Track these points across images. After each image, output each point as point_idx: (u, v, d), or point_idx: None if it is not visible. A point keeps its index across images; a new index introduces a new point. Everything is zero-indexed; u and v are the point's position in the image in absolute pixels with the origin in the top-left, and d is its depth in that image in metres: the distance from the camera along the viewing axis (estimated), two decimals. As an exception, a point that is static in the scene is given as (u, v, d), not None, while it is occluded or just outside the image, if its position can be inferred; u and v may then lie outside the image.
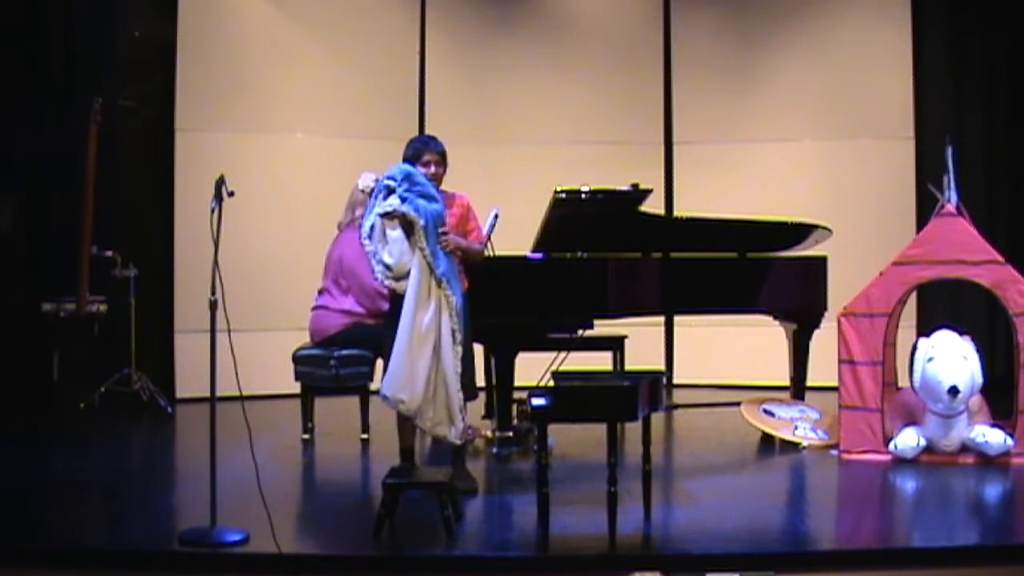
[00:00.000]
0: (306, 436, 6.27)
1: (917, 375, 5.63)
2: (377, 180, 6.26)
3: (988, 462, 5.54)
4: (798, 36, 8.50)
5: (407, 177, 4.91)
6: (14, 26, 7.20)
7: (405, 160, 5.08)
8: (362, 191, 6.31)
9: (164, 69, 7.77)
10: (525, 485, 5.07)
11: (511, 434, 5.85)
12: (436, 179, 5.05)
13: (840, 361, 5.79)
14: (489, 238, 6.00)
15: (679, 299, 6.27)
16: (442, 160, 5.10)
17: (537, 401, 4.29)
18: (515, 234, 6.21)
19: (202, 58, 7.80)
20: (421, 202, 4.85)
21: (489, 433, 5.98)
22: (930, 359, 5.57)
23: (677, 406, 7.35)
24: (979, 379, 5.58)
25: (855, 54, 8.35)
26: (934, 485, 5.28)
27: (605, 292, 5.86)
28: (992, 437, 5.54)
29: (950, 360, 5.53)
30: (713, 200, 7.57)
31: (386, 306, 5.78)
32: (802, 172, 8.37)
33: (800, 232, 6.47)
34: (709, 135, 8.53)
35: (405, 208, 4.84)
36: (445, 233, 4.91)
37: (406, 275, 4.85)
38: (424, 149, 5.09)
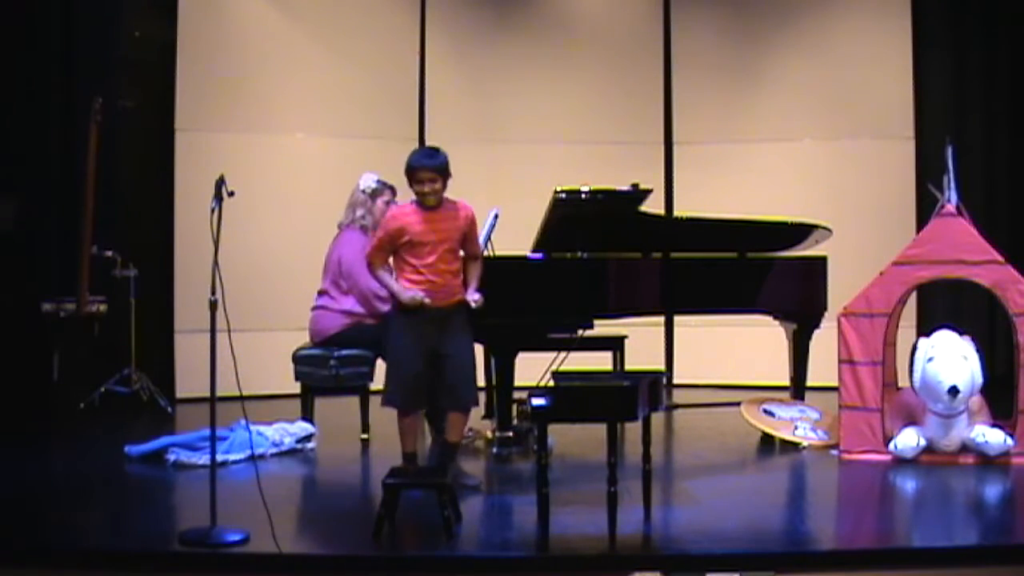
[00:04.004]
0: (306, 436, 6.28)
1: (917, 375, 5.63)
2: (378, 181, 6.28)
3: (988, 462, 5.54)
4: (798, 36, 8.49)
5: None
6: (14, 26, 7.20)
7: (406, 173, 4.95)
8: (363, 191, 6.30)
9: (164, 69, 7.76)
10: (525, 485, 5.06)
11: (511, 434, 5.85)
12: (434, 194, 4.89)
13: (840, 361, 5.78)
14: (489, 238, 6.01)
15: (679, 299, 6.26)
16: (439, 175, 4.88)
17: (537, 401, 4.29)
18: (515, 234, 6.20)
19: (202, 58, 7.80)
20: None
21: (489, 433, 5.98)
22: (930, 359, 5.56)
23: (677, 406, 7.34)
24: (979, 379, 5.57)
25: (855, 54, 8.34)
26: (934, 485, 5.28)
27: (605, 292, 5.86)
28: (992, 437, 5.54)
29: (950, 360, 5.52)
30: (713, 200, 7.56)
31: (384, 308, 5.79)
32: (802, 172, 8.37)
33: (800, 232, 6.47)
34: (709, 135, 8.53)
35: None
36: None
37: None
38: (419, 168, 4.88)
